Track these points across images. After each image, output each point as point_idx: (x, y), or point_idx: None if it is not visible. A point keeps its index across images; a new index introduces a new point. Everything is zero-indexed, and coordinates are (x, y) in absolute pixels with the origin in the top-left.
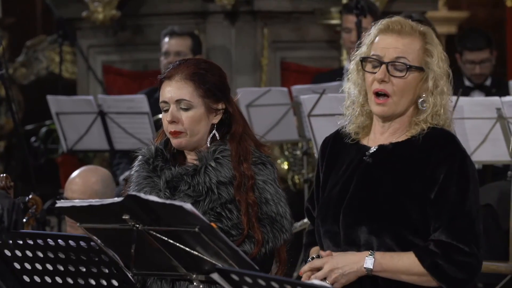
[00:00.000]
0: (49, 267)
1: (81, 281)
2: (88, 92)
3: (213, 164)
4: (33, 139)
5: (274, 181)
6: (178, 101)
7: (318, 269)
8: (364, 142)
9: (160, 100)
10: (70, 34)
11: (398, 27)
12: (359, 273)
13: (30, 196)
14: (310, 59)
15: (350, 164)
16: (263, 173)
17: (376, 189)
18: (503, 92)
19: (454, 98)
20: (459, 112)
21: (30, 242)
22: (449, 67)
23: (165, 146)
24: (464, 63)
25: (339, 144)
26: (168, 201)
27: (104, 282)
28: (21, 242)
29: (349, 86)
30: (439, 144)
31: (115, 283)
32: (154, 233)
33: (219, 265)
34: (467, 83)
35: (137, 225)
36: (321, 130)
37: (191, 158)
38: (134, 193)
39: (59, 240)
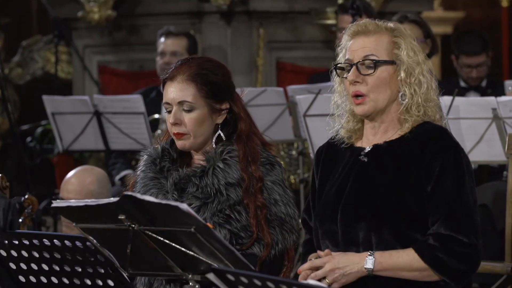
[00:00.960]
0: (45, 267)
1: (76, 281)
2: (83, 92)
3: (221, 165)
4: (28, 139)
5: (282, 182)
6: (181, 103)
7: (318, 268)
8: (358, 144)
9: (163, 101)
10: (66, 34)
11: (363, 28)
12: (360, 273)
13: (26, 196)
14: (305, 59)
15: (345, 165)
16: (271, 174)
17: (373, 186)
18: (499, 92)
19: (450, 98)
20: (454, 112)
21: (26, 242)
22: (447, 67)
23: (171, 146)
24: (460, 66)
25: (333, 151)
26: (164, 201)
27: (100, 282)
28: (16, 242)
29: (335, 97)
30: (432, 138)
31: (110, 283)
32: (150, 233)
33: (215, 265)
34: (462, 84)
35: (133, 225)
36: (316, 130)
37: (197, 158)
38: (129, 193)
39: (54, 240)
